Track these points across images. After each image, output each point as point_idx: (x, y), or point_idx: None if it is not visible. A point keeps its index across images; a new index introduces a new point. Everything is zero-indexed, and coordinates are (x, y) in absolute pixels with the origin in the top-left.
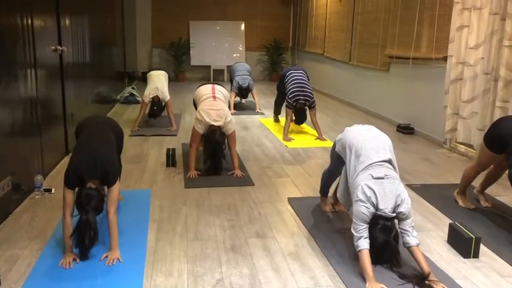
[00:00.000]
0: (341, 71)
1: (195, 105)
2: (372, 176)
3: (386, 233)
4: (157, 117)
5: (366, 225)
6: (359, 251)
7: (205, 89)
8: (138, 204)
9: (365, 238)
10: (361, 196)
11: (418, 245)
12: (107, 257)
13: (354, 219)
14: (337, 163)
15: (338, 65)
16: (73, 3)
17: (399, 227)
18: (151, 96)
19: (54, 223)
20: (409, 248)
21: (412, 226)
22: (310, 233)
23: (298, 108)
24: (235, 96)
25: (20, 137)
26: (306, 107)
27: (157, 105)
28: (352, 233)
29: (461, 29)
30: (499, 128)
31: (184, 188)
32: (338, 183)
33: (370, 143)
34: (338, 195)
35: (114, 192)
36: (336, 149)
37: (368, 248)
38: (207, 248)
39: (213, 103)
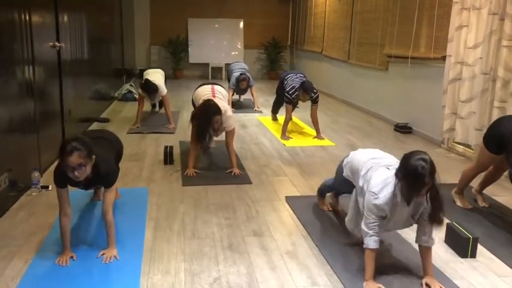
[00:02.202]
0: (339, 70)
1: (194, 106)
2: (388, 168)
3: (422, 160)
4: (154, 93)
5: (376, 220)
6: (365, 248)
7: (205, 90)
8: (135, 202)
9: (371, 236)
10: (374, 185)
11: (431, 245)
12: (103, 254)
13: (365, 213)
14: (342, 186)
15: (336, 64)
16: (71, 0)
17: (418, 229)
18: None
19: (51, 220)
20: (420, 245)
21: (431, 228)
22: (307, 231)
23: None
24: (233, 94)
25: (17, 133)
26: (310, 100)
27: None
28: (362, 227)
29: (460, 28)
30: (498, 128)
31: (182, 186)
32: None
33: (378, 160)
34: (346, 219)
35: (111, 193)
36: (345, 174)
37: (375, 248)
38: (205, 246)
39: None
